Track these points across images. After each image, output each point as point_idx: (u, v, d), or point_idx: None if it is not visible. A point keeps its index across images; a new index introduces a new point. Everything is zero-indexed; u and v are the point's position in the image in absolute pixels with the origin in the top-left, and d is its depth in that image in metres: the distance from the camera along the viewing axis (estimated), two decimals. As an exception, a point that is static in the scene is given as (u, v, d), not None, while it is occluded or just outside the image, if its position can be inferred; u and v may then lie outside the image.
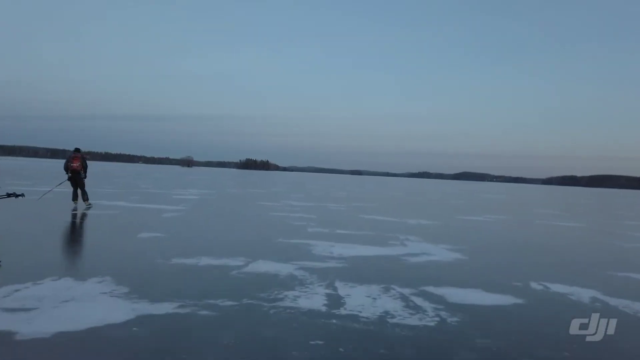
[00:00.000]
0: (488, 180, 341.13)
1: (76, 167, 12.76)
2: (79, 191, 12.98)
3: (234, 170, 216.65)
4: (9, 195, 5.38)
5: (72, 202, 12.90)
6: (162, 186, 27.15)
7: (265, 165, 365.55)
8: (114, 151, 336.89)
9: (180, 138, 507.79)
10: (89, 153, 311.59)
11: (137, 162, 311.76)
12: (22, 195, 5.58)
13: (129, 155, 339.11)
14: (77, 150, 13.26)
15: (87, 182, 13.40)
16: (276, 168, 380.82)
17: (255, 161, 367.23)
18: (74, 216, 10.97)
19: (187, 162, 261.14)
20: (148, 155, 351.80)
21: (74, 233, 8.95)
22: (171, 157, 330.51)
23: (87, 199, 12.97)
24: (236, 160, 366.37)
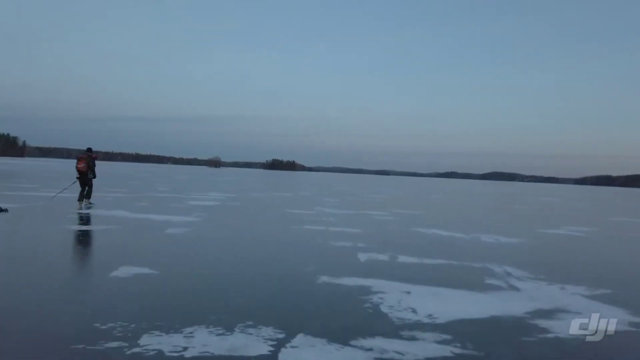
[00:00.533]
0: (518, 180, 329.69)
1: (81, 168, 12.70)
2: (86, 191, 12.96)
3: (260, 170, 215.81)
4: None
5: (77, 203, 12.65)
6: (181, 189, 24.75)
7: (291, 166, 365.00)
8: (144, 152, 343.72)
9: (208, 139, 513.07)
10: (120, 154, 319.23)
11: (166, 162, 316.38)
12: (6, 210, 5.40)
13: (158, 156, 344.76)
14: (88, 150, 13.38)
15: (103, 183, 14.00)
16: (302, 168, 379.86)
17: (281, 161, 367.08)
18: (56, 230, 8.39)
19: (215, 163, 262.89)
20: (177, 156, 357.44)
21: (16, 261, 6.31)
22: (199, 157, 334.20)
23: (89, 198, 12.90)
24: (262, 160, 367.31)
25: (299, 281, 5.65)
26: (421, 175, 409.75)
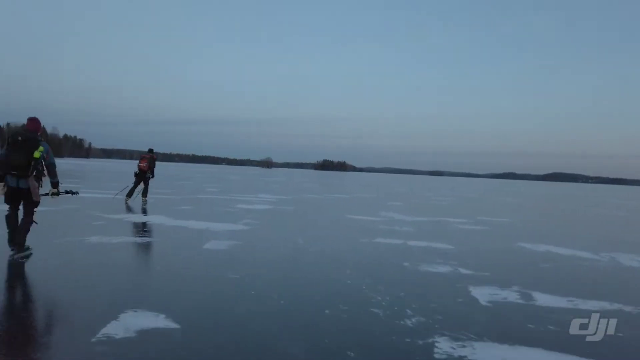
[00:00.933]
0: (582, 182, 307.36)
1: (143, 167, 13.33)
2: (138, 188, 13.44)
3: (312, 171, 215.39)
4: (67, 192, 6.30)
5: (126, 197, 13.13)
6: (230, 190, 23.18)
7: (341, 166, 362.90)
8: (200, 153, 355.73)
9: (261, 140, 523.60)
10: (177, 155, 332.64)
11: (221, 163, 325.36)
12: (77, 192, 6.59)
13: (213, 157, 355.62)
14: (150, 150, 14.06)
15: (154, 184, 14.44)
16: (352, 169, 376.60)
17: (331, 162, 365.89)
18: (66, 243, 6.63)
19: (267, 164, 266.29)
20: (231, 157, 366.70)
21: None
22: (252, 158, 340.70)
23: (146, 196, 13.40)
24: (313, 161, 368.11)
25: (403, 348, 3.32)
26: (477, 176, 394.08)
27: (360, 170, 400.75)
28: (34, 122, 5.59)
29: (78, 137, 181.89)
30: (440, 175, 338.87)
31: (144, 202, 13.03)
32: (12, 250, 5.44)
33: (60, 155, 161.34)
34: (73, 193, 6.52)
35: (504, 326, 3.97)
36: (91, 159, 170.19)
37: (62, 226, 8.33)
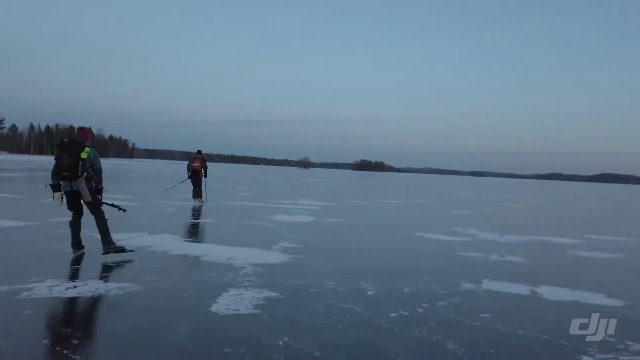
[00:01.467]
0: (634, 183, 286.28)
1: (196, 167, 13.52)
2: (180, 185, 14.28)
3: (349, 171, 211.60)
4: (113, 205, 6.27)
5: (193, 200, 13.56)
6: (266, 195, 20.47)
7: (379, 166, 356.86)
8: (238, 154, 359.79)
9: (299, 141, 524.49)
10: (217, 155, 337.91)
11: (259, 163, 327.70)
12: (124, 210, 6.45)
13: (252, 157, 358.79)
14: (198, 152, 14.16)
15: (184, 187, 14.80)
16: (390, 169, 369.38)
17: (369, 162, 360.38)
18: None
19: (304, 164, 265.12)
20: (269, 157, 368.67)
21: None
22: (289, 159, 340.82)
23: (201, 197, 13.64)
24: (350, 161, 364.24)
25: None
26: (519, 176, 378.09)
27: (399, 170, 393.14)
28: (83, 130, 5.75)
29: (123, 137, 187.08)
30: (481, 176, 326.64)
31: (200, 203, 13.45)
32: (74, 252, 5.69)
33: (106, 156, 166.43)
34: (120, 209, 6.42)
35: None
36: (135, 159, 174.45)
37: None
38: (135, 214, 9.76)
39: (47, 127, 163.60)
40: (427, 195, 28.12)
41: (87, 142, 5.70)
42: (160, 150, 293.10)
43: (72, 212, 5.73)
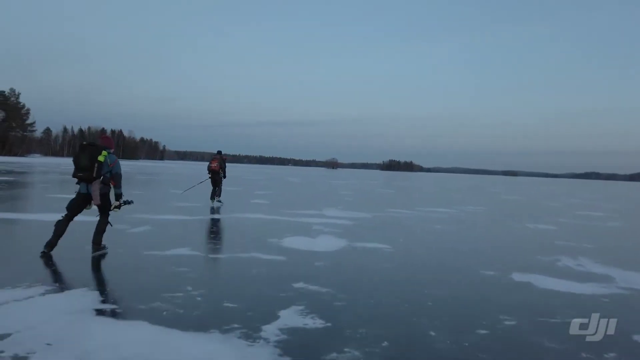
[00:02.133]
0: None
1: (215, 168, 13.49)
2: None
3: (378, 171, 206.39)
4: (125, 202, 6.05)
5: (210, 201, 13.38)
6: (286, 202, 17.04)
7: (409, 166, 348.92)
8: (267, 154, 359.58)
9: (326, 141, 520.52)
10: (245, 156, 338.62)
11: (287, 164, 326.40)
12: (132, 202, 6.20)
13: (280, 158, 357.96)
14: (218, 152, 14.14)
15: (200, 191, 15.13)
16: (420, 169, 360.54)
17: (398, 162, 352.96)
18: None
19: (332, 164, 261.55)
20: (297, 158, 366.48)
21: None
22: (317, 159, 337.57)
23: (219, 196, 13.57)
24: (379, 161, 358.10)
25: None
26: (555, 176, 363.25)
27: (428, 170, 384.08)
28: (107, 139, 6.05)
29: (153, 139, 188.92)
30: (514, 176, 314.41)
31: (219, 203, 13.35)
32: (43, 250, 5.59)
33: (137, 157, 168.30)
34: (128, 202, 6.15)
35: None
36: (165, 161, 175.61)
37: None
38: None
39: (80, 130, 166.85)
40: (476, 200, 24.02)
41: (111, 150, 5.80)
42: (190, 152, 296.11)
43: (67, 212, 5.72)
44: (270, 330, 3.52)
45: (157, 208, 11.78)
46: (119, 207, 5.89)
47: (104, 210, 5.84)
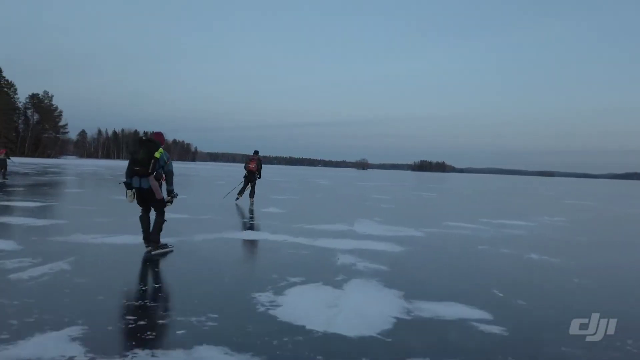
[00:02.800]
0: None
1: (252, 168, 13.47)
2: (247, 190, 13.60)
3: (409, 172, 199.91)
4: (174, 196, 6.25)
5: (237, 195, 13.55)
6: (308, 209, 13.50)
7: (441, 167, 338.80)
8: (297, 155, 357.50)
9: (356, 142, 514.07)
10: (275, 157, 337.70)
11: (317, 165, 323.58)
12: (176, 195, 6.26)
13: (310, 159, 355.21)
14: (255, 152, 14.11)
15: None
16: (452, 169, 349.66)
17: (430, 163, 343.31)
18: None
19: (362, 165, 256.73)
20: (327, 159, 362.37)
21: None
22: (347, 160, 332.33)
23: (253, 197, 13.59)
24: (409, 162, 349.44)
25: None
26: (594, 176, 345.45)
27: (460, 171, 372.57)
28: (159, 135, 6.14)
29: (185, 141, 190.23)
30: (551, 176, 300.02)
31: (251, 203, 13.19)
32: (146, 247, 5.83)
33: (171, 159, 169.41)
34: (174, 195, 6.27)
35: None
36: (197, 162, 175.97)
37: None
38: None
39: (114, 132, 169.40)
40: (543, 207, 19.67)
41: (162, 146, 5.93)
42: (222, 154, 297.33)
43: (141, 208, 5.96)
44: None
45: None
46: (171, 202, 6.04)
47: (160, 206, 5.89)
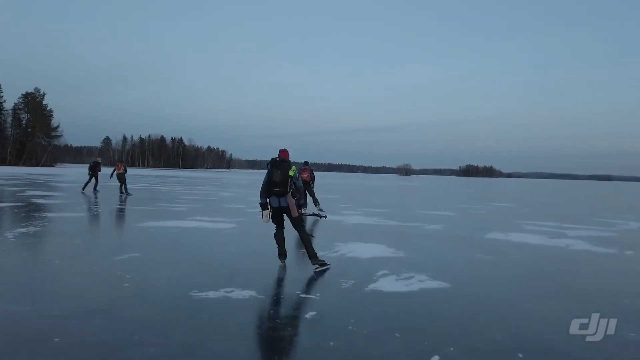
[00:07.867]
0: None
1: (306, 179, 13.51)
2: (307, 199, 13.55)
3: (455, 178, 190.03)
4: (314, 214, 7.38)
5: (319, 210, 13.35)
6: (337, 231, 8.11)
7: (488, 172, 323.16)
8: (335, 162, 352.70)
9: (397, 147, 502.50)
10: (313, 164, 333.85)
11: (356, 171, 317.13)
12: (325, 216, 7.55)
13: (348, 165, 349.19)
14: (305, 163, 14.47)
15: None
16: (499, 174, 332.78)
17: (476, 167, 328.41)
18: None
19: (405, 171, 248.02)
20: (366, 165, 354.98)
21: None
22: (388, 165, 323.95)
23: (318, 205, 13.67)
24: (454, 167, 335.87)
25: None
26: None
27: (508, 175, 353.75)
28: (284, 152, 6.27)
29: (220, 149, 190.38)
30: (608, 180, 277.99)
31: (320, 210, 13.10)
32: (282, 262, 6.11)
33: (198, 167, 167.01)
34: (321, 216, 7.28)
35: None
36: (232, 170, 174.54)
37: None
38: None
39: (140, 138, 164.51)
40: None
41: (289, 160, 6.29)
42: (259, 161, 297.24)
43: (276, 225, 6.20)
44: None
45: None
46: (302, 214, 6.29)
47: (300, 222, 6.11)
